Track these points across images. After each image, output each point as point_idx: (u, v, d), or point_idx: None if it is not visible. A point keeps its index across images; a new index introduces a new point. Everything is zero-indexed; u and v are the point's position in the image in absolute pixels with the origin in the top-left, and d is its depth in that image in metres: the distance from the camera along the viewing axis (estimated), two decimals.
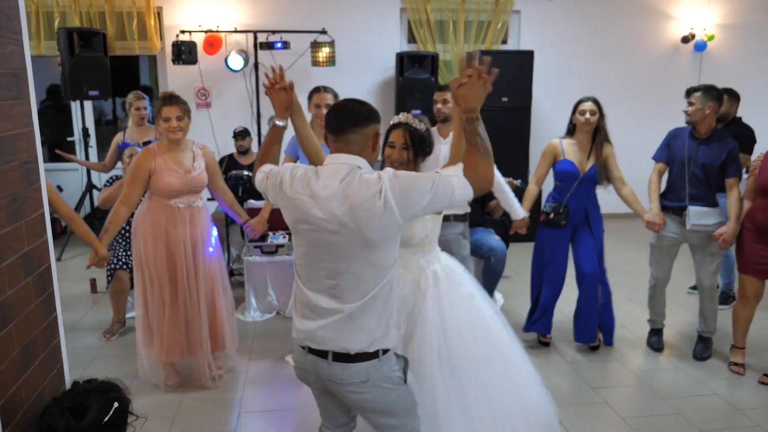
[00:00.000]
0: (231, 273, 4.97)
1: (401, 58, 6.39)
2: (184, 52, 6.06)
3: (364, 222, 1.81)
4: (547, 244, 3.85)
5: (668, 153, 3.79)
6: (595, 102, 3.69)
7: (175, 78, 6.56)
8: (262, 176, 2.11)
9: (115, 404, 2.06)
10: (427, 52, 6.57)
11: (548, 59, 6.89)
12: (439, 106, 3.76)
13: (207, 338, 3.39)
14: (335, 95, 3.56)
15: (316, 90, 3.63)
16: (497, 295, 4.64)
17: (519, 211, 3.82)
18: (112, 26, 6.35)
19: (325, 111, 3.43)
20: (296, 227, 1.94)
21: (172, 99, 3.24)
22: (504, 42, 7.18)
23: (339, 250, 1.87)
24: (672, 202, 3.77)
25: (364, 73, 6.78)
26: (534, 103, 6.51)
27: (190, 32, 6.28)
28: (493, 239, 4.35)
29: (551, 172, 3.88)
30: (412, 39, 7.02)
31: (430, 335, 2.38)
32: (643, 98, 7.21)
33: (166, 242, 3.26)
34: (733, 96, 4.72)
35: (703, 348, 3.88)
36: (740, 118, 4.73)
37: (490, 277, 4.41)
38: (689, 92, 3.68)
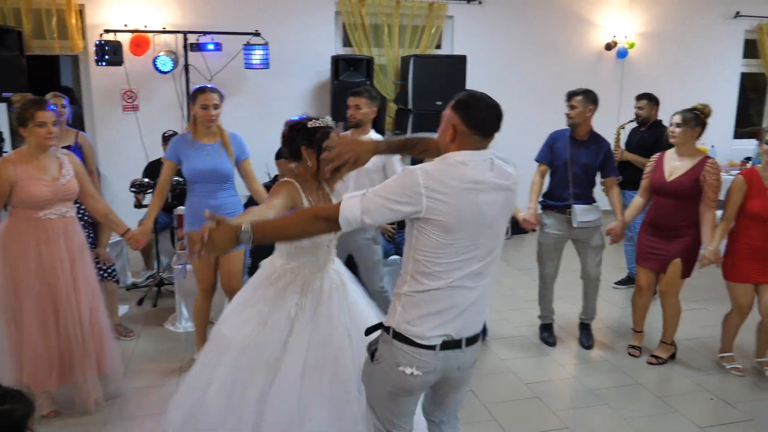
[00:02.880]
0: (161, 282, 4.80)
1: (336, 61, 6.36)
2: (109, 53, 5.81)
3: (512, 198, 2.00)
4: None
5: (551, 155, 3.95)
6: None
7: (99, 79, 6.27)
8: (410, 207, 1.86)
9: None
10: (362, 56, 6.58)
11: (480, 64, 7.03)
12: (351, 111, 3.72)
13: (93, 360, 3.09)
14: (221, 96, 3.44)
15: (202, 90, 3.39)
16: None
17: None
18: (29, 24, 6.01)
19: (213, 112, 3.37)
20: (459, 225, 1.86)
21: (44, 103, 2.92)
22: (438, 47, 7.28)
23: (498, 227, 1.97)
24: (557, 202, 3.94)
25: (299, 76, 6.70)
26: None
27: (115, 32, 6.03)
28: None
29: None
30: (347, 42, 7.00)
31: (340, 334, 2.48)
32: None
33: (39, 262, 2.93)
34: (653, 101, 4.97)
35: (587, 335, 4.13)
36: (660, 121, 4.98)
37: None
38: (570, 96, 3.88)
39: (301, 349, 2.40)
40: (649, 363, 3.84)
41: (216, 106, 3.41)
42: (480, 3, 7.14)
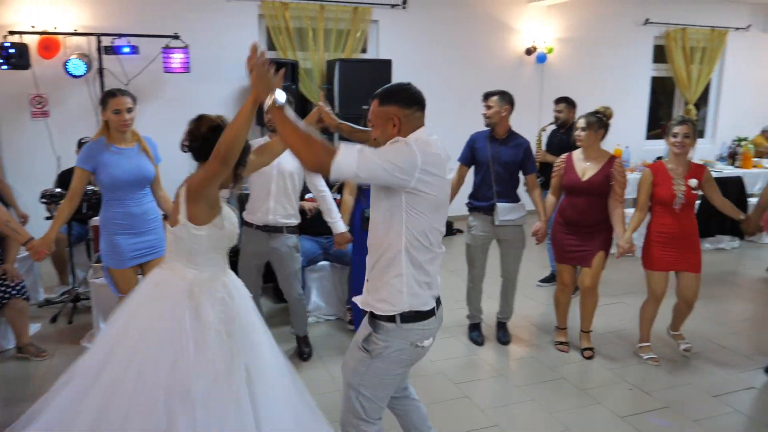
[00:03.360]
0: (77, 298, 4.55)
1: None
2: (14, 56, 5.48)
3: None
4: None
5: (472, 156, 4.04)
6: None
7: (4, 84, 5.89)
8: (410, 166, 1.99)
9: None
10: (287, 60, 6.50)
11: (406, 68, 7.09)
12: (270, 116, 3.67)
13: None
14: (134, 99, 3.30)
15: (112, 94, 3.23)
16: None
17: (339, 225, 3.77)
18: None
19: (127, 116, 3.22)
20: (441, 201, 2.11)
21: None
22: (364, 51, 7.30)
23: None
24: (481, 202, 4.03)
25: (222, 80, 6.54)
26: None
27: (21, 33, 5.69)
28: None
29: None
30: (271, 46, 6.90)
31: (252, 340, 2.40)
32: None
33: None
34: (571, 104, 5.15)
35: (504, 333, 4.23)
36: None
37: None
38: (486, 96, 3.96)
39: (261, 368, 2.31)
40: (587, 357, 3.96)
41: (129, 110, 3.26)
42: (404, 8, 7.21)
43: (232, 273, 2.48)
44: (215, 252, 2.36)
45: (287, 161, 3.52)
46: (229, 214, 2.40)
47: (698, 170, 3.75)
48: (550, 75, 8.09)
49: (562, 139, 5.12)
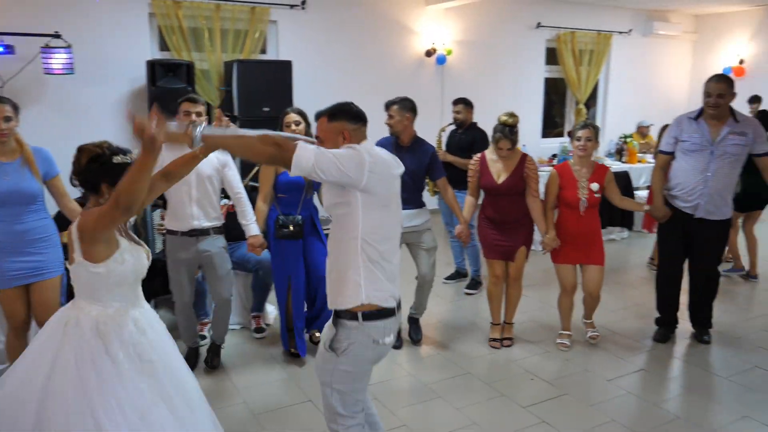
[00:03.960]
0: None
1: (152, 66, 5.95)
2: None
3: None
4: (291, 256, 3.76)
5: None
6: (299, 113, 3.71)
7: None
8: (361, 163, 2.14)
9: None
10: (182, 60, 6.23)
11: (306, 69, 7.01)
12: (194, 118, 3.51)
13: None
14: (15, 107, 3.03)
15: None
16: (269, 307, 4.54)
17: (252, 228, 3.64)
18: None
19: (4, 125, 2.95)
20: (389, 199, 2.27)
21: None
22: (263, 51, 7.13)
23: (399, 203, 2.37)
24: None
25: (110, 81, 6.17)
26: None
27: None
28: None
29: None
30: (164, 46, 6.59)
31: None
32: None
33: None
34: (469, 105, 5.27)
35: (416, 329, 4.26)
36: (476, 123, 5.30)
37: (259, 291, 4.31)
38: (387, 106, 3.97)
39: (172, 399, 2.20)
40: (507, 346, 4.12)
41: (8, 119, 2.97)
42: (303, 8, 7.11)
43: (145, 305, 2.36)
44: (120, 287, 2.22)
45: (205, 165, 3.37)
46: (131, 248, 2.26)
47: (601, 171, 3.96)
48: (450, 76, 8.27)
49: (461, 138, 5.23)
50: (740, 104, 9.29)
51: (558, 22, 9.02)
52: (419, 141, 4.03)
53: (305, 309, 3.97)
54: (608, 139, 9.36)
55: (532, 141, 8.66)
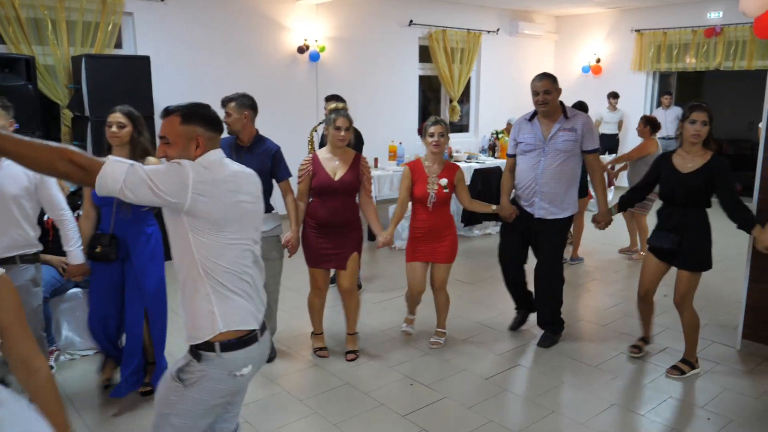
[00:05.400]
0: None
1: None
2: None
3: None
4: (104, 281, 3.29)
5: None
6: (127, 114, 3.24)
7: None
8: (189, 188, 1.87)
9: None
10: (21, 55, 5.54)
11: (167, 65, 6.54)
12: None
13: None
14: None
15: None
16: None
17: (75, 255, 3.20)
18: None
19: None
20: (227, 221, 1.97)
21: None
22: (118, 46, 6.55)
23: (258, 218, 2.16)
24: None
25: None
26: (157, 111, 6.06)
27: None
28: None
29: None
30: (0, 40, 5.85)
31: None
32: (269, 104, 7.32)
33: None
34: (342, 101, 5.08)
35: (271, 348, 3.92)
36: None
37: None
38: (224, 103, 3.67)
39: None
40: (350, 360, 3.90)
41: None
42: (162, 1, 6.61)
43: None
44: None
45: (10, 183, 2.93)
46: None
47: (451, 169, 3.92)
48: (324, 73, 8.08)
49: None
50: (600, 100, 9.95)
51: (430, 20, 9.12)
52: (261, 140, 3.73)
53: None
54: (482, 135, 9.62)
55: (409, 138, 8.68)
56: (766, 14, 4.42)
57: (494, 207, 4.09)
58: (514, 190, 4.14)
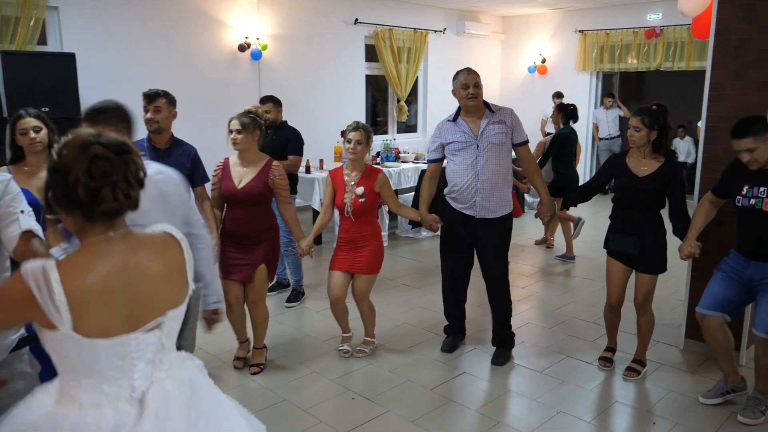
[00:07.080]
0: None
1: None
2: None
3: None
4: None
5: None
6: (38, 117, 3.00)
7: None
8: None
9: None
10: None
11: (95, 63, 6.18)
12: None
13: None
14: None
15: None
16: None
17: None
18: None
19: None
20: None
21: None
22: (43, 43, 6.14)
23: None
24: None
25: None
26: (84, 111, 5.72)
27: None
28: None
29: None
30: None
31: None
32: (207, 103, 7.04)
33: None
34: (278, 103, 4.89)
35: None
36: (286, 122, 4.93)
37: None
38: (152, 98, 3.49)
39: None
40: (254, 374, 3.70)
41: None
42: None
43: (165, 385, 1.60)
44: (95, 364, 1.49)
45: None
46: None
47: (371, 176, 3.75)
48: (267, 72, 7.82)
49: (272, 139, 4.81)
50: (545, 100, 9.99)
51: (376, 18, 8.97)
52: (178, 142, 3.55)
53: None
54: (430, 135, 9.52)
55: None
56: (704, 14, 4.45)
57: (418, 217, 3.90)
58: (448, 196, 3.88)
